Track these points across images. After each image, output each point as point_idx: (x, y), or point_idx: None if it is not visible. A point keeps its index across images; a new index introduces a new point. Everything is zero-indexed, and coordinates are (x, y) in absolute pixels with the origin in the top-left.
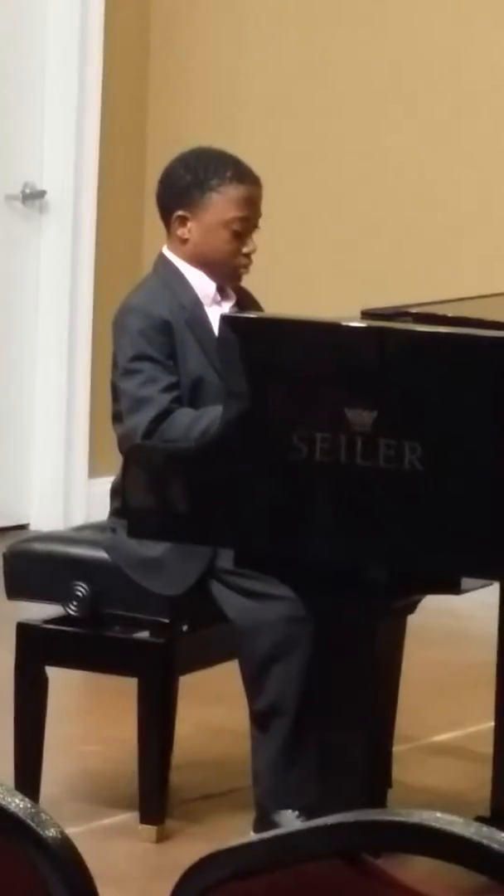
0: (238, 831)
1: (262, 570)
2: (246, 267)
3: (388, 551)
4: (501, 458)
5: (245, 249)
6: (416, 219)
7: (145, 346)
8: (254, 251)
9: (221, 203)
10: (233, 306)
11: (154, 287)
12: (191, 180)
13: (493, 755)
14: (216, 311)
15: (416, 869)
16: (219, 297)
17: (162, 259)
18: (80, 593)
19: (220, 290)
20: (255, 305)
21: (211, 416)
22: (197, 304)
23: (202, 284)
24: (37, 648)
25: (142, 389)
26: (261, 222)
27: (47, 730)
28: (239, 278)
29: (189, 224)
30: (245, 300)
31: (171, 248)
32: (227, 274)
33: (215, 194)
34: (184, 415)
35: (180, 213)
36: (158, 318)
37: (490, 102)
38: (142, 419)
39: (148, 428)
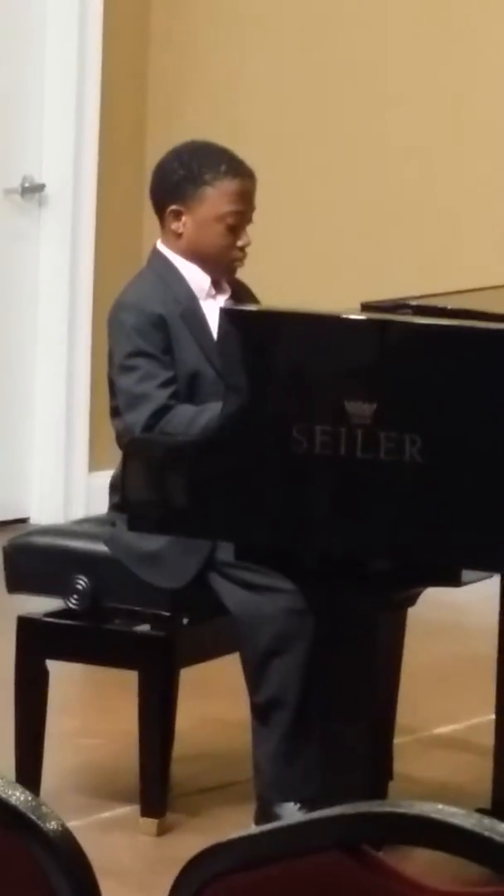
0: (239, 824)
1: (262, 562)
2: (241, 260)
3: (389, 544)
4: (501, 450)
5: (240, 243)
6: (415, 211)
7: (141, 342)
8: (248, 244)
9: (216, 197)
10: (228, 299)
11: (148, 282)
12: (184, 174)
13: (494, 747)
14: (211, 305)
15: (417, 861)
16: (213, 291)
17: (156, 253)
18: (80, 586)
19: (215, 284)
20: (251, 298)
21: (210, 413)
22: (192, 298)
23: (197, 278)
24: (37, 642)
25: (139, 386)
26: (260, 214)
27: (48, 723)
28: (233, 272)
29: (183, 218)
30: (241, 292)
31: (165, 243)
32: (222, 268)
33: (209, 188)
34: (184, 411)
35: (174, 207)
36: (153, 314)
37: (491, 91)
38: (140, 416)
39: (146, 424)
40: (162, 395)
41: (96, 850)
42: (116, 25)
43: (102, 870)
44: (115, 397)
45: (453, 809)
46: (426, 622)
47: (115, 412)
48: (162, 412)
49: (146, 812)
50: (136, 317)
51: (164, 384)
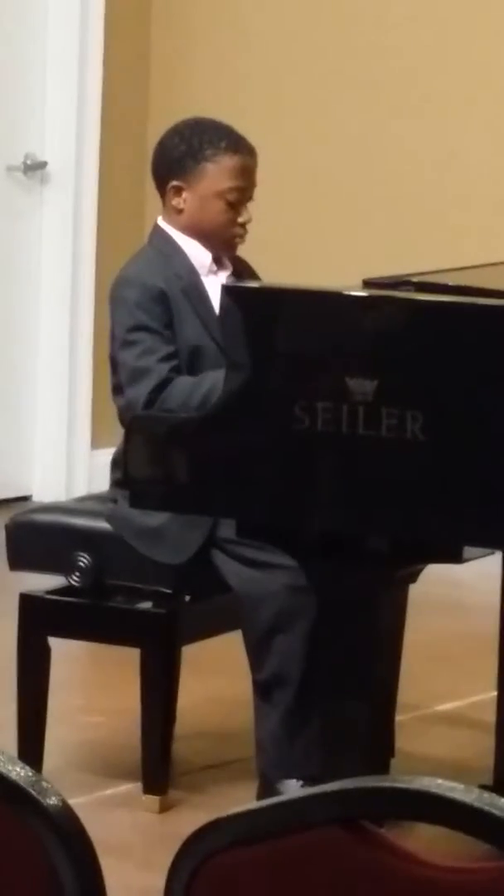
0: (241, 801)
1: (264, 539)
2: (241, 237)
3: (390, 521)
4: (502, 426)
5: (240, 219)
6: (417, 188)
7: (142, 316)
8: (249, 221)
9: (216, 173)
10: (230, 276)
11: (149, 258)
12: (185, 150)
13: (496, 724)
14: (213, 281)
15: (419, 837)
16: (215, 268)
17: (157, 230)
18: (82, 564)
19: (217, 261)
20: (251, 275)
21: (210, 381)
22: (193, 274)
23: (198, 254)
24: (39, 619)
25: (140, 360)
26: (263, 191)
27: (50, 700)
28: (234, 248)
29: (184, 194)
30: (242, 270)
31: (167, 219)
32: (223, 244)
33: (210, 164)
34: (182, 383)
35: (175, 183)
36: (154, 288)
37: (492, 71)
38: (142, 390)
39: (148, 398)
40: (163, 370)
41: (98, 828)
42: (119, 3)
43: (104, 846)
44: (117, 374)
45: (453, 784)
46: (427, 599)
47: (117, 390)
48: (163, 386)
49: (148, 789)
50: (138, 291)
51: (166, 358)
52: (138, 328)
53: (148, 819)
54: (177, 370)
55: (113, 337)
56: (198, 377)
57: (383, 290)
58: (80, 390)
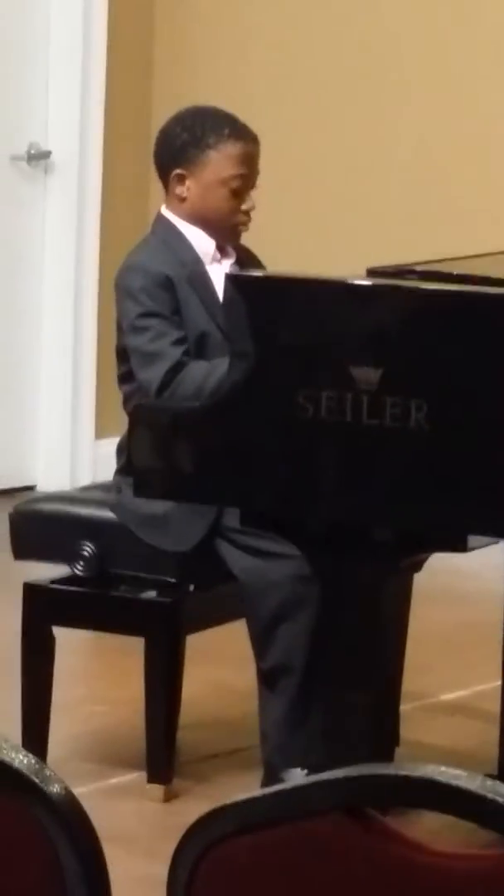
0: (246, 790)
1: (268, 528)
2: (245, 224)
3: (395, 510)
4: None
5: (244, 207)
6: (420, 176)
7: (150, 302)
8: (252, 209)
9: (219, 160)
10: (233, 264)
11: (153, 246)
12: (188, 138)
13: (500, 714)
14: (217, 269)
15: (422, 825)
16: (219, 255)
17: (160, 218)
18: (86, 553)
19: (220, 249)
20: (255, 263)
21: (223, 369)
22: (197, 262)
23: (201, 243)
24: (44, 608)
25: (152, 344)
26: (266, 180)
27: (54, 690)
28: (238, 236)
29: (187, 182)
30: (245, 258)
31: (170, 207)
32: (226, 232)
33: (213, 152)
34: (197, 368)
35: (178, 171)
36: (160, 275)
37: (494, 58)
38: (156, 372)
39: (163, 380)
40: (176, 353)
41: (103, 817)
42: None
43: (109, 836)
44: (124, 363)
45: (457, 772)
46: (432, 588)
47: (124, 379)
48: (177, 369)
49: (153, 778)
50: (144, 278)
51: (177, 342)
52: (148, 314)
53: (152, 808)
54: (187, 354)
55: (120, 326)
56: (211, 363)
57: (387, 279)
58: (84, 380)
